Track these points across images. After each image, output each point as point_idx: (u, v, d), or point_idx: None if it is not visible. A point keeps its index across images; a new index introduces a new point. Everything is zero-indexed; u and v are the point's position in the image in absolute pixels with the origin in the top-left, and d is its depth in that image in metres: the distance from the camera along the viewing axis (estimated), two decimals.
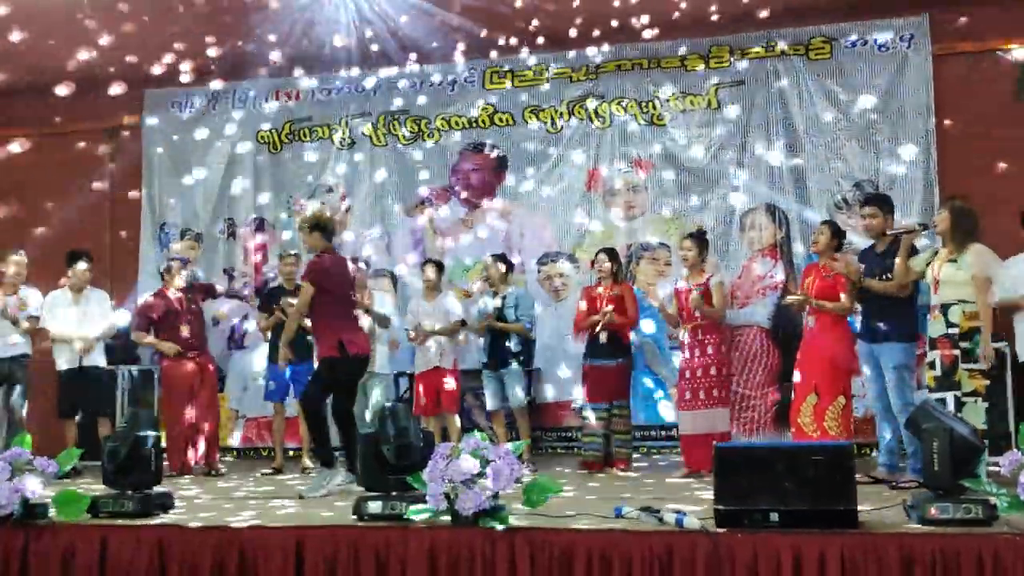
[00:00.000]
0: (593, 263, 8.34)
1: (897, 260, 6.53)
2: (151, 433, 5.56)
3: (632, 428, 8.19)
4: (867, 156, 9.04)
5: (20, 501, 5.09)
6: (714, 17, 9.10)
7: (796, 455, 4.60)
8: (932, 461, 4.52)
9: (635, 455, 8.44)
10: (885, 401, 6.66)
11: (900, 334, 6.57)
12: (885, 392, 6.64)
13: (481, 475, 4.69)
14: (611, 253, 8.23)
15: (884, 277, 6.65)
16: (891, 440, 6.69)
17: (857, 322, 7.04)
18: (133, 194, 10.84)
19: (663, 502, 5.22)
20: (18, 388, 8.49)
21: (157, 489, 5.57)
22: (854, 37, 9.13)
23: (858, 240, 8.25)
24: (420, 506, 4.80)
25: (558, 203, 9.78)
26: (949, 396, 6.06)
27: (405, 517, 4.83)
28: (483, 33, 9.34)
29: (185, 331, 8.47)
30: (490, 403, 8.66)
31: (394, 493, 5.05)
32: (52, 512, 5.22)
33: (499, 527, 4.59)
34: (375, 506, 5.02)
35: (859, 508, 4.47)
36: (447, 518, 4.75)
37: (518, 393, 8.45)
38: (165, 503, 5.54)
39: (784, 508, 4.42)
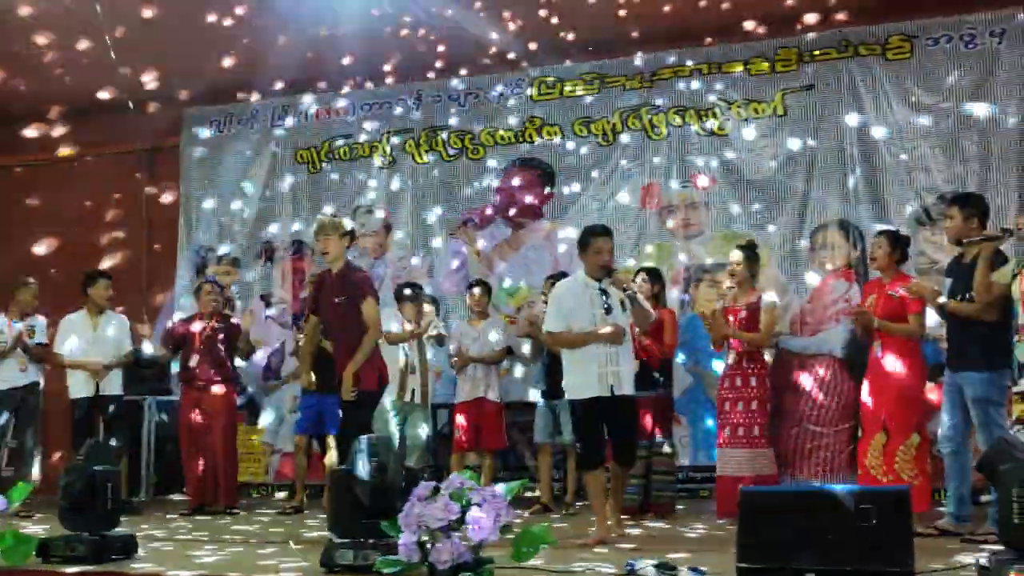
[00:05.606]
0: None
1: (976, 274, 5.61)
2: (110, 468, 4.97)
3: (676, 469, 7.34)
4: (953, 165, 8.16)
5: None
6: (780, 16, 8.48)
7: (840, 501, 3.80)
8: (1010, 511, 3.67)
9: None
10: (958, 440, 5.79)
11: (981, 362, 5.65)
12: (960, 428, 5.79)
13: (461, 521, 3.99)
14: (653, 274, 7.50)
15: (965, 296, 5.75)
16: (961, 485, 5.78)
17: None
18: (170, 215, 10.58)
19: (690, 553, 4.44)
20: (28, 418, 8.33)
21: (117, 531, 4.97)
22: (937, 34, 8.29)
23: (944, 258, 7.40)
24: (391, 557, 4.10)
25: (610, 221, 8.82)
26: None
27: (374, 570, 4.13)
28: (530, 41, 8.92)
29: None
30: (538, 435, 7.95)
31: (370, 541, 4.36)
32: None
33: None
34: (345, 555, 4.35)
35: (921, 569, 3.73)
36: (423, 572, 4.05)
37: (570, 429, 7.71)
38: (126, 546, 4.94)
39: (824, 567, 3.73)
